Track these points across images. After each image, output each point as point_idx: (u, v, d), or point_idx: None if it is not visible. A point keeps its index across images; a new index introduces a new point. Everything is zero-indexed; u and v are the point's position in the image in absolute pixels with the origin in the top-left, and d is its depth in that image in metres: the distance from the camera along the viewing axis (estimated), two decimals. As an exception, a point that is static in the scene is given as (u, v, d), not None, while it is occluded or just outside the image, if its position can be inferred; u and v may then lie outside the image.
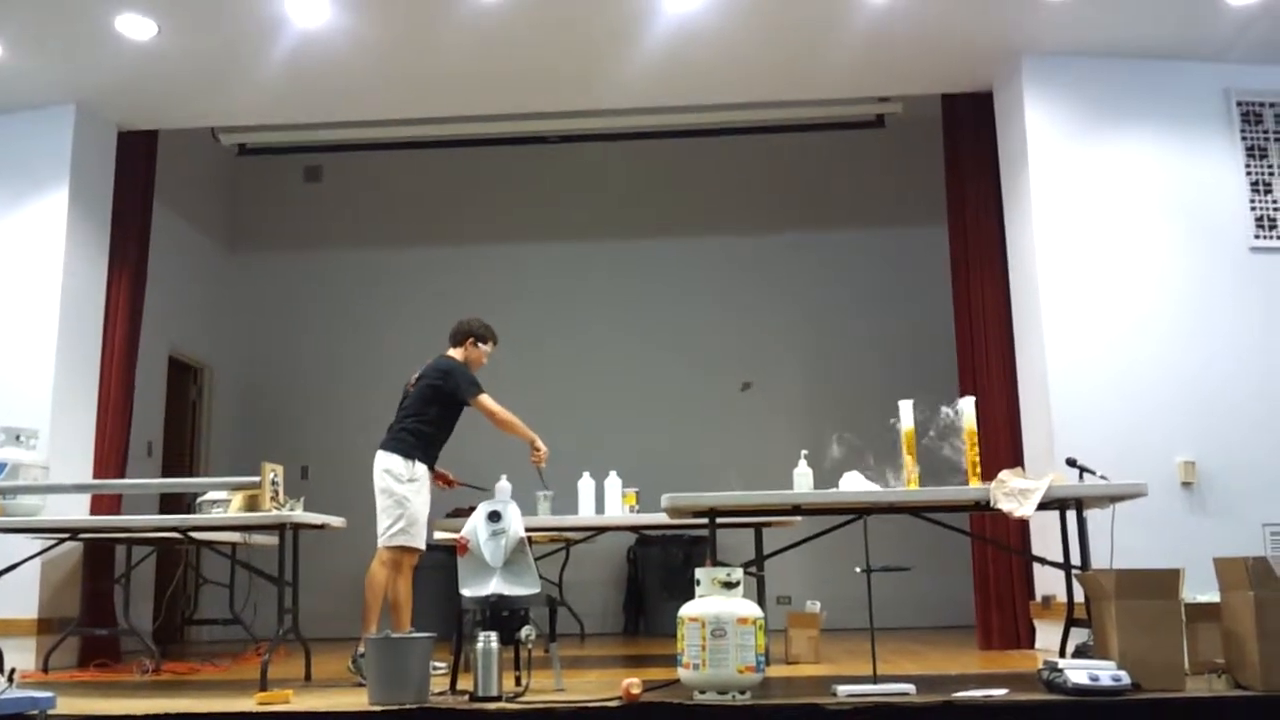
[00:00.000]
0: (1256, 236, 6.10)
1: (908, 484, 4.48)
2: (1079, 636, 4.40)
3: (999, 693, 3.59)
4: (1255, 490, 5.70)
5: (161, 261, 7.41)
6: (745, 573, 3.97)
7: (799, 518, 5.13)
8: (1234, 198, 6.14)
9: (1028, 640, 6.04)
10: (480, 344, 5.42)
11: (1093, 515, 4.66)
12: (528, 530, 4.51)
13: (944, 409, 4.66)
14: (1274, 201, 6.15)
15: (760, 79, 6.65)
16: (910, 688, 3.65)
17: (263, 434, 8.93)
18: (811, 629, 5.57)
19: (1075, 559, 4.51)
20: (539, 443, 5.24)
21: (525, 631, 4.08)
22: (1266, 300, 6.00)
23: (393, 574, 5.07)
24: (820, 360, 9.00)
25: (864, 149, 8.96)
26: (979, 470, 4.52)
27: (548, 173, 9.40)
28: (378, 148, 8.81)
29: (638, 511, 5.88)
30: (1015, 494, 4.29)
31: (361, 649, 4.66)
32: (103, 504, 6.40)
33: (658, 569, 8.18)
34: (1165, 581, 3.81)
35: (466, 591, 4.28)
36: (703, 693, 3.66)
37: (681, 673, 3.72)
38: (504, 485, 5.45)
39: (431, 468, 5.25)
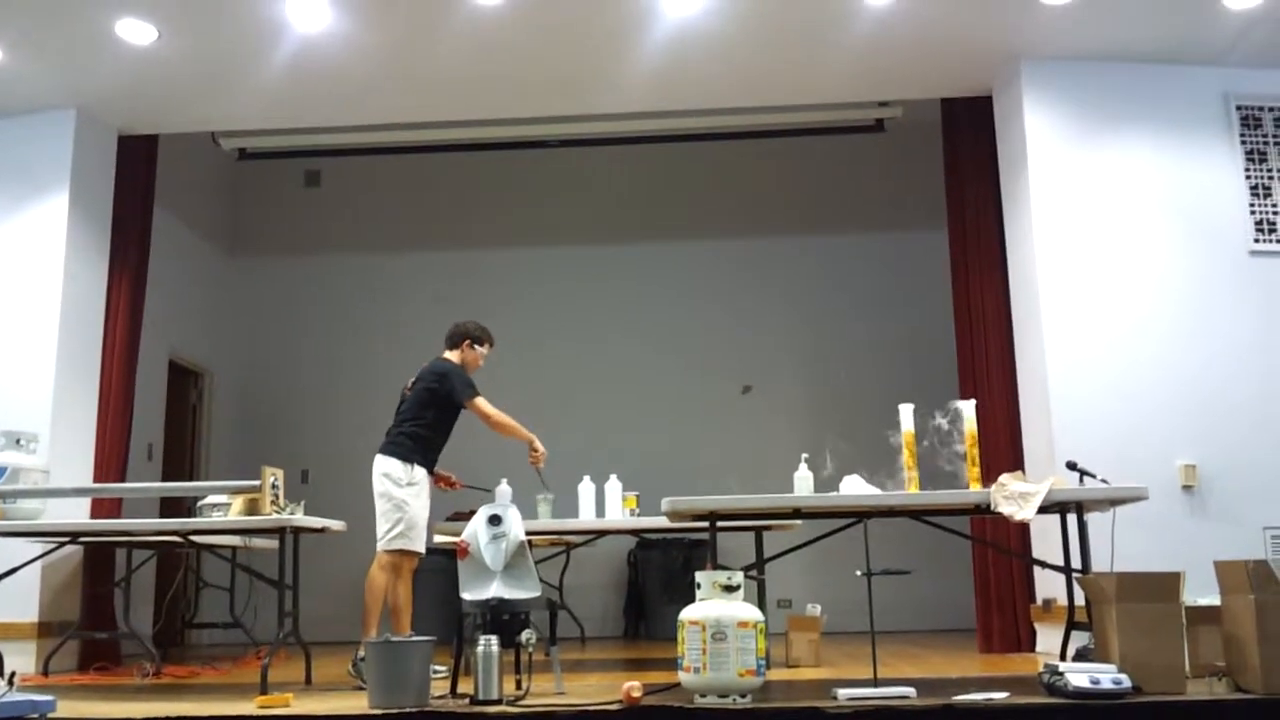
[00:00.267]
0: (1256, 240, 6.10)
1: (908, 487, 4.48)
2: (1080, 640, 4.40)
3: (1000, 696, 3.58)
4: (1256, 493, 5.69)
5: (162, 265, 7.42)
6: (746, 576, 3.97)
7: (799, 521, 5.13)
8: (1233, 201, 6.15)
9: (1028, 643, 6.04)
10: (477, 346, 5.43)
11: (1093, 519, 4.66)
12: (528, 534, 4.51)
13: (936, 421, 4.65)
14: (1273, 205, 6.16)
15: (760, 83, 6.66)
16: (911, 691, 3.65)
17: (263, 438, 8.93)
18: (812, 632, 5.57)
19: (1076, 562, 4.51)
20: (537, 443, 5.24)
21: (526, 635, 4.08)
22: (1266, 303, 6.00)
23: (392, 578, 5.07)
24: (820, 364, 9.00)
25: (864, 153, 8.96)
26: (979, 474, 4.52)
27: (547, 177, 9.40)
28: (378, 152, 8.81)
29: (638, 515, 5.87)
30: (1016, 497, 4.29)
31: (361, 653, 4.66)
32: (103, 508, 6.40)
33: (658, 572, 8.18)
34: (1166, 585, 3.81)
35: (467, 595, 4.28)
36: (703, 696, 3.66)
37: (682, 676, 3.72)
38: (504, 489, 5.45)
39: (431, 471, 5.26)
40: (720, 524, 4.62)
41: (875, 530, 4.37)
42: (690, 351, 9.07)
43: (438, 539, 5.44)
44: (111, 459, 6.54)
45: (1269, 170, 6.20)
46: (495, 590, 4.25)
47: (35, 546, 5.77)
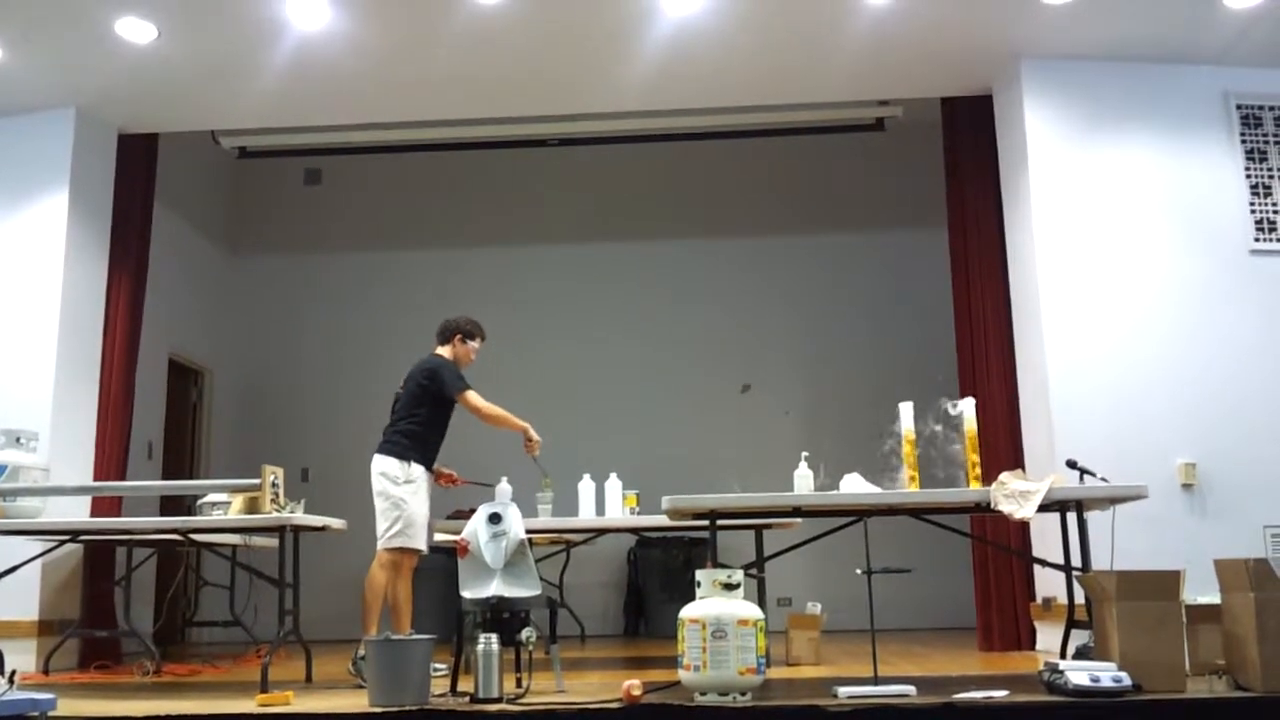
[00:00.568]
0: (1256, 239, 6.11)
1: (908, 486, 4.48)
2: (1080, 638, 4.40)
3: (1000, 694, 3.59)
4: (1255, 492, 5.70)
5: (162, 264, 7.42)
6: (746, 574, 3.97)
7: (799, 519, 5.12)
8: (1234, 201, 6.15)
9: (1028, 642, 6.04)
10: (468, 340, 5.42)
11: (1093, 517, 4.66)
12: (528, 532, 4.52)
13: (937, 419, 4.66)
14: (1274, 204, 6.16)
15: (760, 82, 6.66)
16: (911, 689, 3.66)
17: (263, 436, 8.93)
18: (812, 630, 5.57)
19: (1076, 560, 4.51)
20: (532, 433, 5.23)
21: (526, 633, 4.09)
22: (1266, 303, 6.00)
23: (392, 576, 5.06)
24: (820, 363, 9.00)
25: (864, 152, 8.96)
26: (979, 472, 4.52)
27: (547, 176, 9.40)
28: (378, 151, 8.81)
29: (638, 513, 5.88)
30: (1016, 496, 4.29)
31: (362, 651, 4.66)
32: (103, 506, 6.40)
33: (658, 571, 8.18)
34: (1166, 583, 3.81)
35: (467, 593, 4.28)
36: (703, 694, 3.66)
37: (682, 674, 3.72)
38: (504, 487, 5.46)
39: (429, 468, 5.24)
40: (720, 522, 4.62)
41: (875, 528, 4.38)
42: (690, 350, 9.07)
43: (438, 537, 5.44)
44: (111, 457, 6.54)
45: (1269, 169, 6.20)
46: (495, 588, 4.25)
47: (35, 545, 5.77)
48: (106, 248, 6.76)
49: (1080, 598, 4.43)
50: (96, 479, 6.39)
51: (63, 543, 5.76)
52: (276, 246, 9.56)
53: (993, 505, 4.31)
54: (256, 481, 5.01)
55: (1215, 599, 4.02)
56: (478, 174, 9.45)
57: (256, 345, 9.35)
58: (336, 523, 5.29)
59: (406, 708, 3.65)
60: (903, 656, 5.76)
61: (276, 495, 5.04)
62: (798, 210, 9.30)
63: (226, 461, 8.74)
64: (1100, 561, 4.48)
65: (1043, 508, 4.32)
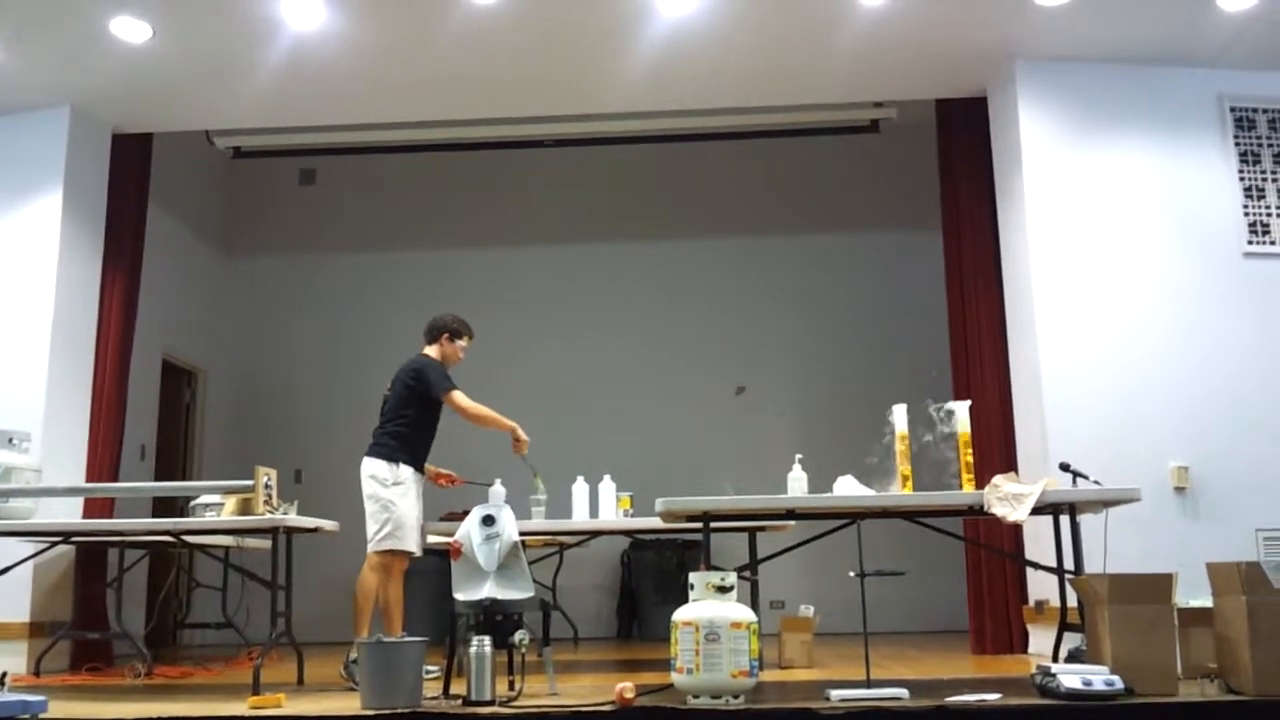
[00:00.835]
0: (1250, 242, 6.12)
1: (901, 488, 4.48)
2: (1072, 641, 4.41)
3: (992, 697, 3.59)
4: (1248, 495, 5.71)
5: (156, 264, 7.40)
6: (739, 577, 3.97)
7: (793, 522, 5.12)
8: (1227, 203, 6.16)
9: (1021, 645, 6.05)
10: (455, 339, 5.40)
11: (1086, 520, 4.66)
12: (521, 534, 4.51)
13: (931, 421, 4.66)
14: (1267, 207, 6.17)
15: (755, 83, 6.66)
16: (903, 692, 3.66)
17: (256, 437, 8.91)
18: (805, 633, 5.57)
19: (1068, 564, 4.51)
20: (520, 432, 5.21)
21: (519, 636, 4.08)
22: (1260, 305, 6.01)
23: (384, 579, 5.05)
24: (814, 364, 9.00)
25: (858, 153, 8.96)
26: (972, 475, 4.53)
27: (543, 176, 9.40)
28: (373, 151, 8.80)
29: (632, 515, 5.87)
30: (1009, 499, 4.29)
31: (354, 654, 4.65)
32: (95, 507, 6.39)
33: (651, 573, 8.18)
34: (1158, 586, 3.81)
35: (460, 595, 4.27)
36: (696, 697, 3.66)
37: (675, 677, 3.72)
38: (498, 489, 5.43)
39: (419, 469, 5.22)
40: (714, 525, 4.61)
41: (869, 531, 4.38)
42: (685, 351, 9.07)
43: (431, 539, 5.42)
44: (104, 458, 6.52)
45: (1263, 172, 6.21)
46: (488, 591, 4.25)
47: (27, 546, 5.76)
48: (100, 247, 6.74)
49: (1073, 601, 4.43)
50: (89, 480, 6.37)
51: (54, 544, 5.75)
52: (270, 247, 9.54)
53: (986, 508, 4.31)
54: (249, 483, 5.00)
55: (1207, 602, 4.02)
56: (472, 174, 9.44)
57: (250, 346, 9.33)
58: (329, 524, 5.28)
59: (399, 710, 3.65)
60: (895, 659, 5.76)
61: (269, 497, 5.03)
62: (793, 211, 9.30)
63: (219, 463, 8.72)
64: (1093, 564, 4.49)
65: (1036, 510, 4.32)
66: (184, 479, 8.35)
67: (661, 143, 8.75)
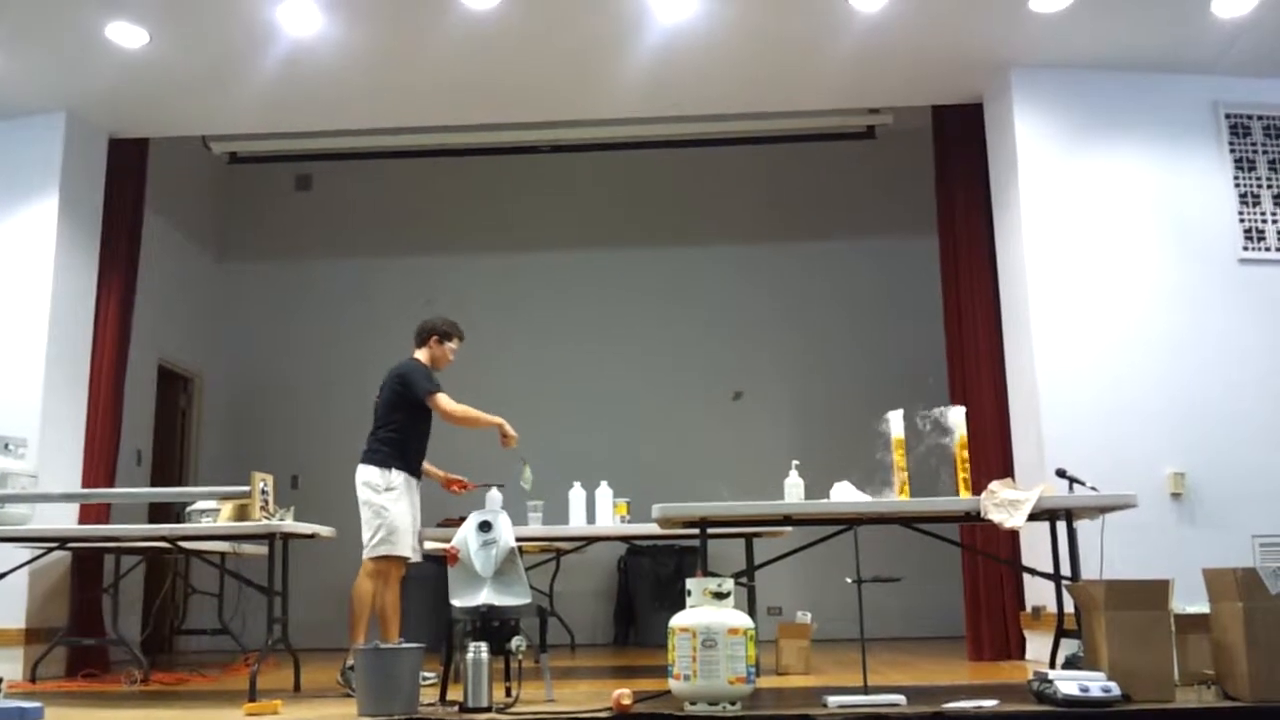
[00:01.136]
0: (1245, 248, 6.13)
1: (898, 494, 4.49)
2: (1069, 647, 4.41)
3: (989, 703, 3.59)
4: (1244, 501, 5.71)
5: (152, 270, 7.39)
6: (736, 583, 3.97)
7: (790, 528, 5.13)
8: (1223, 210, 6.17)
9: (1018, 651, 6.05)
10: (445, 341, 5.37)
11: (1082, 526, 4.67)
12: (518, 540, 4.51)
13: (926, 427, 4.66)
14: (1262, 214, 6.18)
15: (751, 90, 6.67)
16: (900, 698, 3.66)
17: (252, 443, 8.89)
18: (802, 639, 5.57)
19: (1065, 570, 4.52)
20: (507, 427, 5.17)
21: (516, 642, 4.08)
22: (1255, 312, 6.03)
23: (380, 585, 5.02)
24: (811, 370, 9.01)
25: (854, 160, 8.97)
26: (969, 481, 4.53)
27: (538, 182, 9.40)
28: (368, 156, 8.80)
29: (628, 522, 5.87)
30: (1005, 505, 4.30)
31: (351, 661, 4.64)
32: (91, 513, 6.37)
33: (648, 579, 8.17)
34: (1155, 592, 3.82)
35: (457, 602, 4.27)
36: (693, 704, 3.66)
37: (672, 683, 3.71)
38: (495, 495, 5.44)
39: (412, 473, 5.19)
40: (711, 531, 4.61)
41: (865, 537, 4.37)
42: (681, 357, 9.07)
43: (428, 545, 5.41)
44: (100, 464, 6.51)
45: (1258, 178, 6.22)
46: (485, 597, 4.24)
47: (23, 552, 5.74)
48: (96, 253, 6.73)
49: (1070, 607, 4.43)
50: (85, 486, 6.37)
51: (50, 550, 5.74)
52: (267, 252, 9.54)
53: (983, 514, 4.32)
54: (246, 489, 5.00)
55: (1204, 608, 4.03)
56: (468, 180, 9.44)
57: (246, 351, 9.32)
58: (326, 530, 5.28)
59: (395, 717, 3.65)
60: (892, 665, 5.76)
61: (266, 502, 5.03)
62: (788, 217, 9.30)
63: (216, 468, 8.70)
64: (1090, 571, 4.49)
65: (1032, 517, 4.32)
66: (180, 485, 8.34)
67: (658, 149, 8.76)
